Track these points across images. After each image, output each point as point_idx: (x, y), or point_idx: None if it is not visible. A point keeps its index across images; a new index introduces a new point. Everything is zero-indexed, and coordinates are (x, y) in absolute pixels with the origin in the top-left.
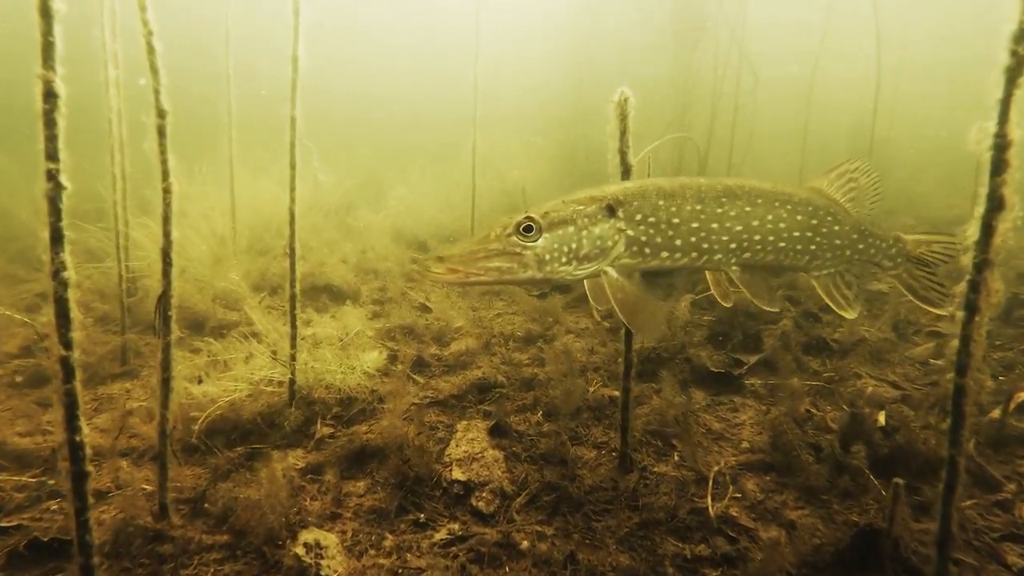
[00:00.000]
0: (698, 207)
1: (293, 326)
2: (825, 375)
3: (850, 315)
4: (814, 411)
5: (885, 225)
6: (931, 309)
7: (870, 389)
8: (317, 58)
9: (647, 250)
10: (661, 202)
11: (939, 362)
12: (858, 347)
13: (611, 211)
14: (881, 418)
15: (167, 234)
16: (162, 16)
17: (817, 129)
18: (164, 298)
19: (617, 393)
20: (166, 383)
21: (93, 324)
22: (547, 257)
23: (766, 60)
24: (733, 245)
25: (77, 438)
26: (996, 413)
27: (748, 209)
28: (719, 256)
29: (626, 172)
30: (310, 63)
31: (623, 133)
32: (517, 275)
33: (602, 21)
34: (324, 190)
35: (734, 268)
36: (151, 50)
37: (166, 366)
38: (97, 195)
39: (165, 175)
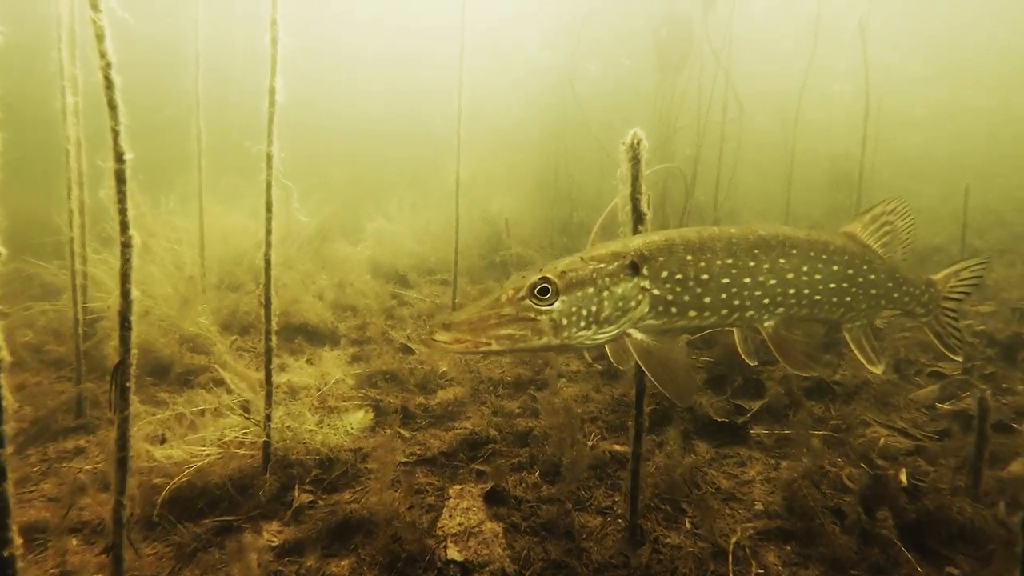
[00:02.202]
0: (729, 261)
1: (268, 382)
2: (832, 423)
3: (877, 370)
4: (828, 467)
5: None
6: (952, 357)
7: (882, 440)
8: (293, 83)
9: (674, 310)
10: (689, 257)
11: (946, 406)
12: (862, 390)
13: (634, 269)
14: (903, 477)
15: (125, 294)
16: (125, 31)
17: (799, 152)
18: (122, 367)
19: (618, 447)
20: (123, 464)
21: (46, 369)
22: (564, 322)
23: (750, 78)
24: (766, 300)
25: (5, 553)
26: (1018, 466)
27: (782, 261)
28: (751, 313)
29: (639, 220)
30: (286, 87)
31: (635, 178)
32: (531, 343)
33: (583, 46)
34: (299, 219)
35: (766, 325)
36: (109, 85)
37: (123, 444)
38: (56, 227)
39: (124, 227)
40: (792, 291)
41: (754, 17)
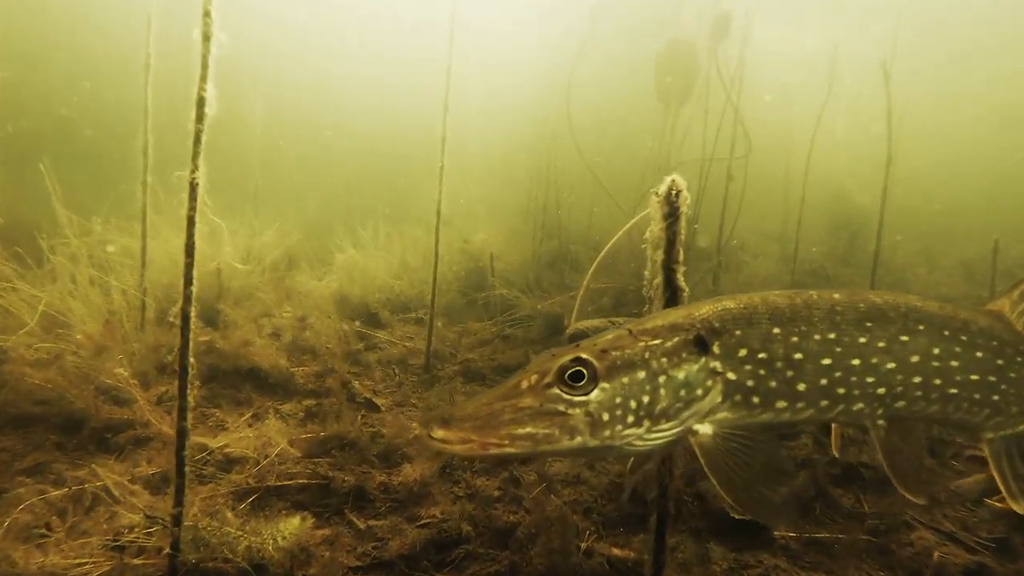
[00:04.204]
0: (831, 336)
1: (180, 474)
2: (868, 522)
3: (1020, 507)
4: None
5: None
6: None
7: (936, 555)
8: (266, 98)
9: (756, 399)
10: (776, 330)
11: (996, 503)
12: None
13: (702, 345)
14: None
15: None
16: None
17: (796, 193)
18: None
19: (617, 552)
20: None
21: None
22: (605, 417)
23: (755, 111)
24: (881, 390)
25: None
26: None
27: (904, 339)
28: (860, 405)
29: (673, 299)
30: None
31: (671, 242)
32: (559, 444)
33: (579, 75)
34: (263, 244)
35: (880, 423)
36: None
37: None
38: None
39: None
40: (917, 380)
41: (759, 50)
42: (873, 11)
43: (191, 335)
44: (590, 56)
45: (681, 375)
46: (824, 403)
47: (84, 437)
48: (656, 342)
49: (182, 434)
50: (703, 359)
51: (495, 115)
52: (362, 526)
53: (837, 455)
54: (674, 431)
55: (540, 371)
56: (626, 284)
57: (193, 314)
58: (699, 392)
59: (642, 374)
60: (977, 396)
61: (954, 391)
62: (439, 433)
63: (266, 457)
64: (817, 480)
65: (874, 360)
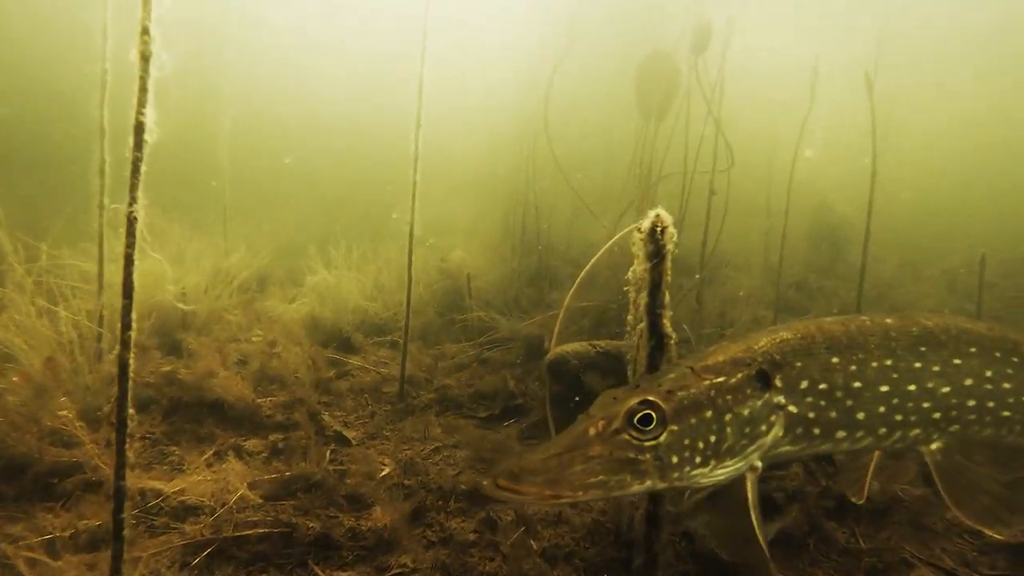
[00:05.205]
0: (888, 362)
1: (118, 538)
2: (865, 560)
3: None
4: None
5: None
6: None
7: None
8: (237, 119)
9: (817, 431)
10: (835, 359)
11: (995, 534)
12: (892, 510)
13: (764, 380)
14: None
15: None
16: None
17: (780, 203)
18: None
19: None
20: None
21: None
22: (674, 460)
23: (736, 122)
24: (937, 415)
25: None
26: None
27: (957, 362)
28: (916, 431)
29: (659, 344)
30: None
31: (656, 285)
32: (629, 488)
33: (558, 84)
34: (232, 265)
35: (934, 447)
36: None
37: None
38: None
39: None
40: (972, 403)
41: (740, 61)
42: (854, 15)
43: (130, 385)
44: (572, 58)
45: (746, 412)
46: (883, 430)
47: (27, 483)
48: (720, 379)
49: (120, 494)
50: (766, 394)
51: (473, 121)
52: None
53: (857, 499)
54: (737, 467)
55: (607, 416)
56: (607, 303)
57: (132, 361)
58: (763, 428)
59: (709, 413)
60: None
61: (1007, 414)
62: (506, 483)
63: (223, 504)
64: (809, 514)
65: (930, 385)
